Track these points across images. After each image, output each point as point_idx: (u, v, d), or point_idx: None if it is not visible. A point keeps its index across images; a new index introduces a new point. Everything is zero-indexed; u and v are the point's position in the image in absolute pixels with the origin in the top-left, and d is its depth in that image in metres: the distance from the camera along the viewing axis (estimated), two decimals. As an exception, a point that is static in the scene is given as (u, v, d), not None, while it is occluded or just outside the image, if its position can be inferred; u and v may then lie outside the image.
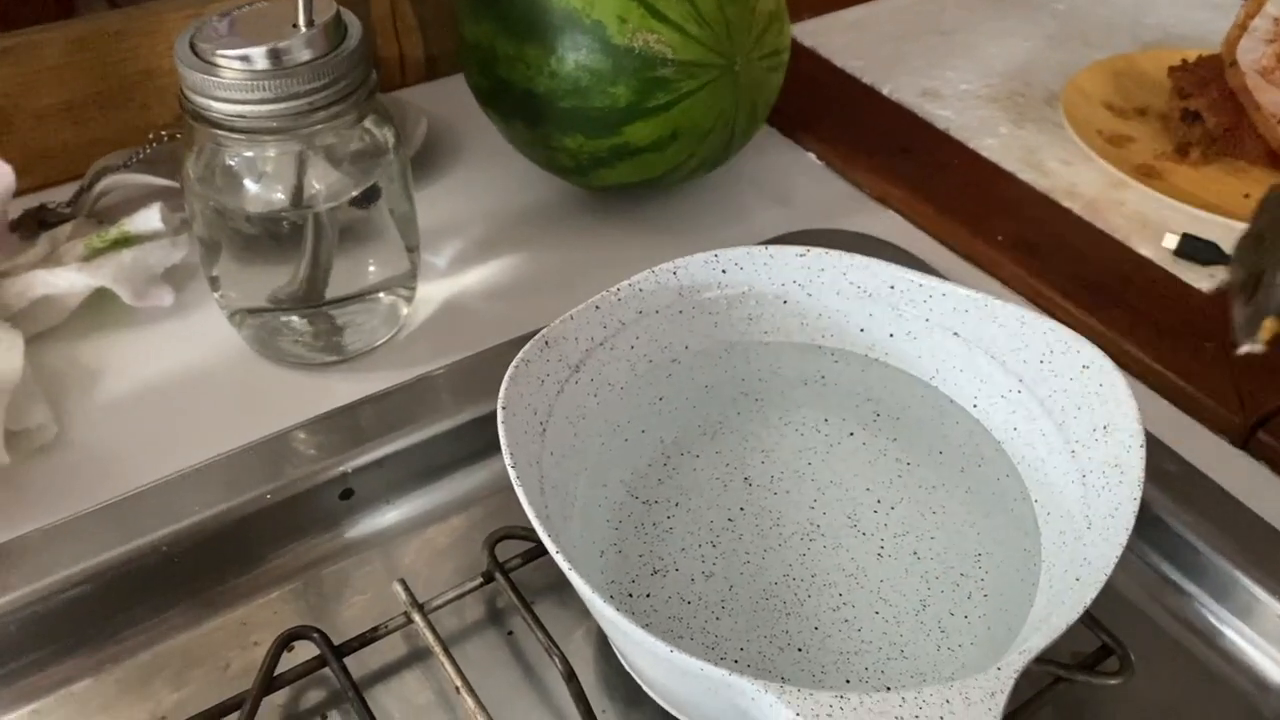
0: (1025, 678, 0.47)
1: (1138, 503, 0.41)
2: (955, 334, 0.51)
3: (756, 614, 0.46)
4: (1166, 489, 0.54)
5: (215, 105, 0.50)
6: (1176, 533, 0.52)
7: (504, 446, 0.42)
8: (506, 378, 0.44)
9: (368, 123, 0.55)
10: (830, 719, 0.34)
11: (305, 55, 0.50)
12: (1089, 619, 0.47)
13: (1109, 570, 0.40)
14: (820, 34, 0.91)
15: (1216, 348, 0.62)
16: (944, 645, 0.44)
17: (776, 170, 0.77)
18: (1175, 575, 0.52)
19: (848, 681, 0.43)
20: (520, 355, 0.45)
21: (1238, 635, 0.51)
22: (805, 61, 0.88)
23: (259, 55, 0.49)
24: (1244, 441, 0.58)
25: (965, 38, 0.93)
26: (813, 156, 0.78)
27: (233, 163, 0.53)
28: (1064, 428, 0.47)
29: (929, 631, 0.45)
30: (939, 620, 0.45)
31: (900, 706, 0.34)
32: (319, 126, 0.52)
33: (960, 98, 0.85)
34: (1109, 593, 0.40)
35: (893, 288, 0.52)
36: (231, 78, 0.50)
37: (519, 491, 0.40)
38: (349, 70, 0.51)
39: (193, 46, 0.51)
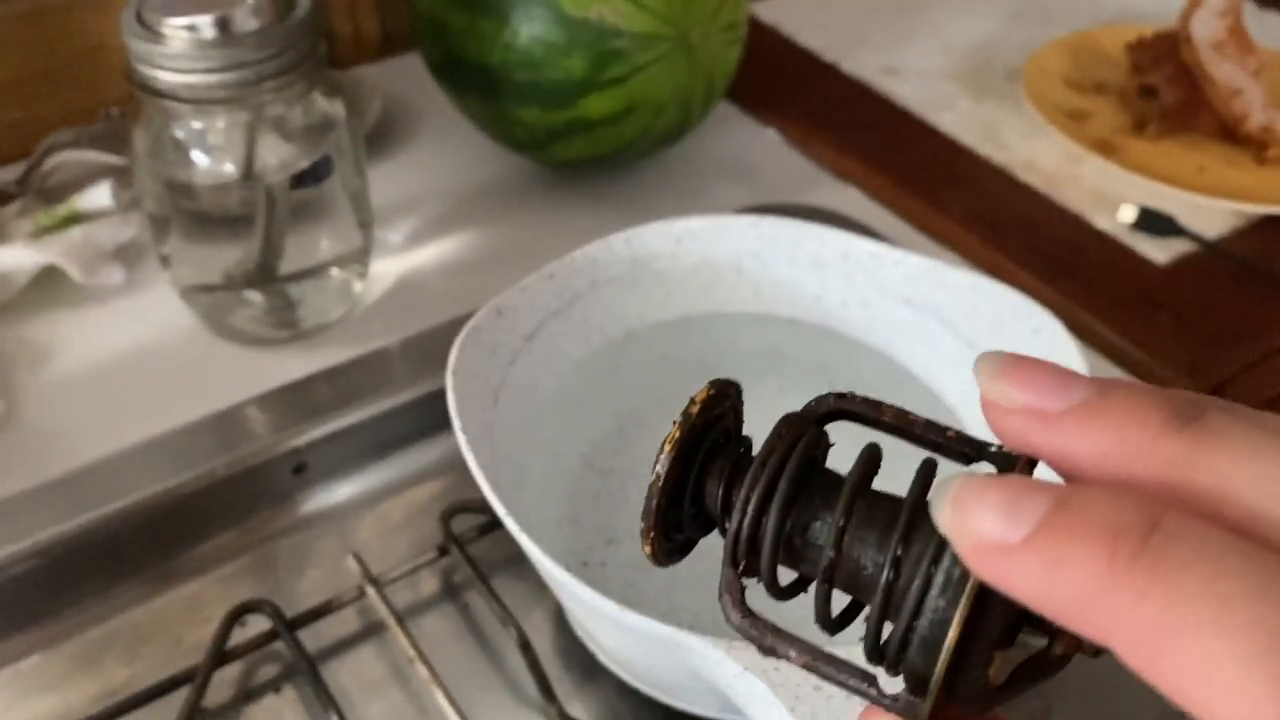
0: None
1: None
2: (908, 301, 0.51)
3: (712, 581, 0.46)
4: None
5: (162, 75, 0.50)
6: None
7: (453, 413, 0.42)
8: (457, 345, 0.44)
9: (317, 94, 0.54)
10: (778, 672, 0.33)
11: (252, 24, 0.49)
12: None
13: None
14: (781, 11, 0.91)
15: (1170, 317, 0.63)
16: (897, 609, 0.45)
17: (737, 147, 0.76)
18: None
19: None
20: (471, 323, 0.45)
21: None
22: (766, 38, 0.88)
23: (206, 24, 0.49)
24: (1197, 409, 0.58)
25: (927, 15, 0.93)
26: (773, 133, 0.78)
27: (181, 134, 0.52)
28: (1015, 391, 0.47)
29: (883, 596, 0.45)
30: (893, 585, 0.45)
31: (847, 656, 0.34)
32: (267, 96, 0.51)
33: (921, 74, 0.85)
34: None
35: (846, 256, 0.52)
36: (178, 47, 0.49)
37: (467, 456, 0.40)
38: (297, 40, 0.51)
39: (140, 17, 0.50)
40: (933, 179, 0.73)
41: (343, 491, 0.54)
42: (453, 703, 0.44)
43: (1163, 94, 0.76)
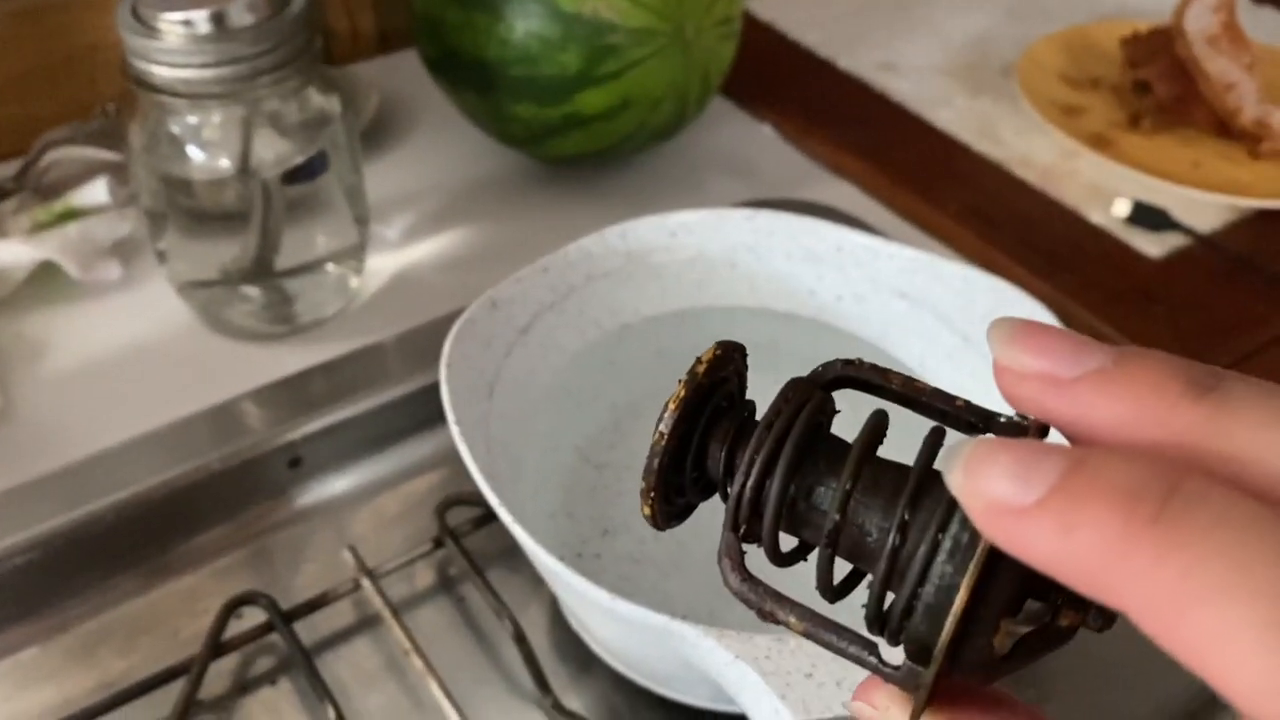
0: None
1: (1078, 452, 0.42)
2: (902, 295, 0.51)
3: (706, 572, 0.46)
4: (1114, 448, 0.54)
5: (158, 70, 0.50)
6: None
7: (446, 404, 0.42)
8: (451, 336, 0.44)
9: (312, 90, 0.54)
10: (769, 660, 0.34)
11: (248, 19, 0.50)
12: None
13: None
14: (778, 7, 0.91)
15: (1164, 311, 0.63)
16: (891, 600, 0.45)
17: (733, 142, 0.77)
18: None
19: (795, 636, 0.43)
20: (466, 314, 0.45)
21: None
22: (762, 35, 0.88)
23: (201, 19, 0.49)
24: (1191, 401, 0.58)
25: (923, 11, 0.93)
26: (769, 128, 0.78)
27: (177, 129, 0.53)
28: (1008, 383, 0.47)
29: (876, 587, 0.45)
30: (886, 576, 0.45)
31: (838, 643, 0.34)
32: (262, 91, 0.51)
33: (917, 70, 0.85)
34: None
35: (840, 250, 0.52)
36: (174, 42, 0.49)
37: (461, 448, 0.40)
38: (292, 35, 0.51)
39: (135, 11, 0.50)
40: (929, 175, 0.73)
41: (338, 485, 0.54)
42: (448, 694, 0.44)
43: (1157, 89, 0.76)
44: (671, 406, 0.21)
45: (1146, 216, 0.69)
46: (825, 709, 0.34)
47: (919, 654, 0.18)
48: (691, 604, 0.45)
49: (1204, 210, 0.70)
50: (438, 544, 0.50)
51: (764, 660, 0.34)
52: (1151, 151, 0.75)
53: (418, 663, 0.45)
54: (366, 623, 0.49)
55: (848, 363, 0.22)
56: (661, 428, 0.21)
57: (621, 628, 0.41)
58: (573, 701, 0.46)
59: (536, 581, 0.50)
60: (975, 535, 0.17)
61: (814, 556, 0.21)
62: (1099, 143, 0.75)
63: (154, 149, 0.53)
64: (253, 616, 0.48)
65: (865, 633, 0.20)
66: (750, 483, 0.20)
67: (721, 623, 0.44)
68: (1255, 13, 0.94)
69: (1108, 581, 0.16)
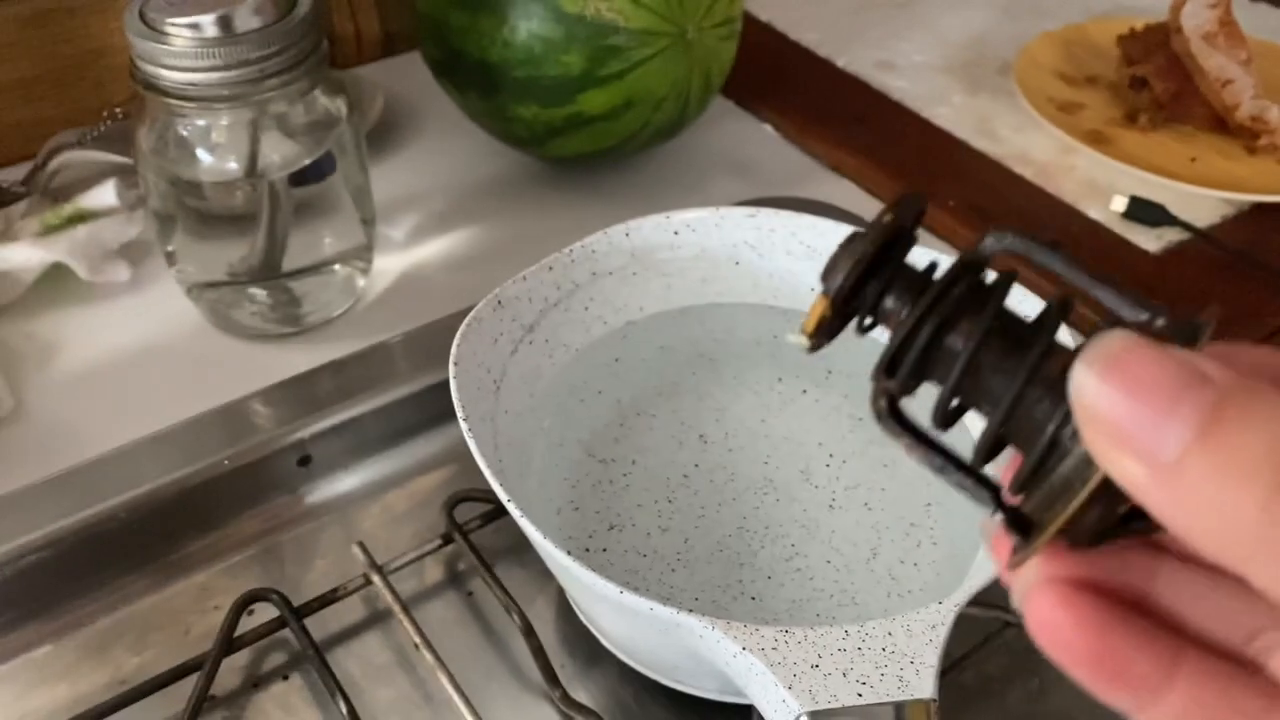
0: (975, 623, 0.48)
1: (1077, 444, 0.42)
2: (903, 290, 0.52)
3: (711, 565, 0.47)
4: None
5: (166, 74, 0.50)
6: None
7: (456, 401, 0.42)
8: (458, 334, 0.45)
9: (319, 92, 0.55)
10: (775, 651, 0.34)
11: (255, 22, 0.50)
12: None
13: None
14: (777, 7, 0.92)
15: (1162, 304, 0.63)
16: (894, 592, 0.45)
17: (733, 141, 0.77)
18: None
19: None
20: (473, 313, 0.46)
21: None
22: (761, 34, 0.89)
23: (208, 23, 0.50)
24: (1190, 395, 0.59)
25: (921, 10, 0.94)
26: (769, 128, 0.79)
27: (185, 132, 0.53)
28: (1008, 377, 0.48)
29: (879, 579, 0.46)
30: (889, 568, 0.46)
31: (844, 639, 0.35)
32: (270, 94, 0.52)
33: (915, 68, 0.85)
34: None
35: (842, 246, 0.53)
36: (181, 45, 0.50)
37: (470, 443, 0.41)
38: (299, 38, 0.52)
39: (142, 16, 0.51)
40: (927, 172, 0.74)
41: (348, 482, 0.55)
42: (458, 688, 0.45)
43: (1154, 85, 0.77)
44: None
45: (1144, 212, 0.70)
46: (832, 698, 0.34)
47: (1035, 512, 0.20)
48: (697, 596, 0.46)
49: (1201, 205, 0.71)
50: (446, 540, 0.50)
51: (770, 651, 0.34)
52: (1149, 147, 0.76)
53: (428, 657, 0.46)
54: (377, 618, 0.50)
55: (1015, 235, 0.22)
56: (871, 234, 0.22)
57: (629, 620, 0.42)
58: (581, 694, 0.47)
59: (544, 576, 0.51)
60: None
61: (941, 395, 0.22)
62: (1096, 139, 0.76)
63: (162, 152, 0.54)
64: (264, 613, 0.48)
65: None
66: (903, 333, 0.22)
67: (727, 614, 0.45)
68: (1251, 9, 0.95)
69: (1230, 556, 0.15)
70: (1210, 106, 0.76)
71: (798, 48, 0.88)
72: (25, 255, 0.59)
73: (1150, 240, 0.68)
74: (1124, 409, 0.16)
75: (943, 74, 0.85)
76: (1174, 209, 0.70)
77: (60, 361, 0.58)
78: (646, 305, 0.54)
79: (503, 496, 0.39)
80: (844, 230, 0.52)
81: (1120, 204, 0.70)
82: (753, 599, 0.45)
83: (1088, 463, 0.18)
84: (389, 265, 0.64)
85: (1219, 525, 0.15)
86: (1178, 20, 0.75)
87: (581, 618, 0.48)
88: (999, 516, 0.21)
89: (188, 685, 0.45)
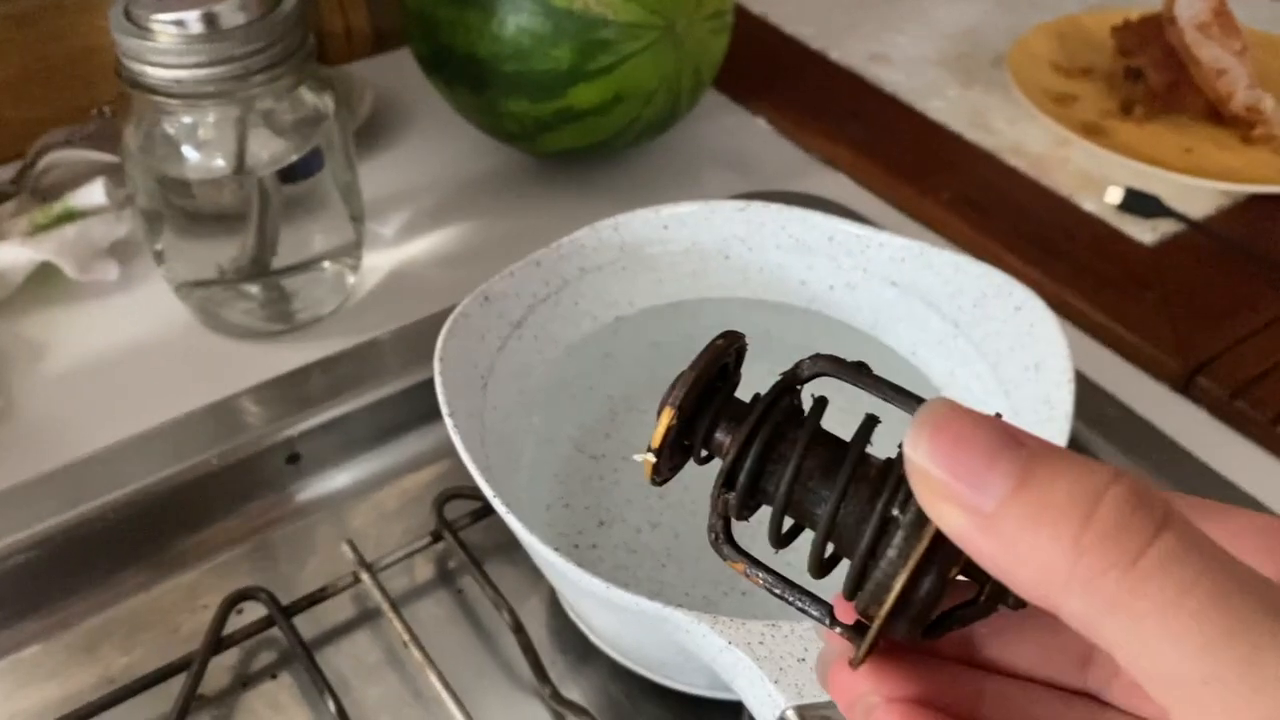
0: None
1: (1067, 436, 0.42)
2: (893, 283, 0.52)
3: (701, 561, 0.46)
4: (1107, 433, 0.54)
5: (152, 71, 0.50)
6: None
7: (440, 397, 0.42)
8: (444, 331, 0.44)
9: (306, 88, 0.54)
10: (762, 645, 0.34)
11: (239, 19, 0.50)
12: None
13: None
14: (769, 1, 0.92)
15: (1157, 297, 0.63)
16: (885, 586, 0.45)
17: (726, 136, 0.77)
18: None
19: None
20: (459, 309, 0.46)
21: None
22: (754, 28, 0.88)
23: (193, 19, 0.49)
24: (1184, 387, 0.59)
25: (913, 2, 0.93)
26: (762, 121, 0.78)
27: (172, 130, 0.53)
28: (998, 369, 0.47)
29: (871, 573, 0.45)
30: (880, 562, 0.46)
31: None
32: (256, 90, 0.51)
33: (909, 61, 0.85)
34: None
35: (831, 239, 0.52)
36: (167, 42, 0.49)
37: (455, 439, 0.41)
38: (285, 34, 0.51)
39: (128, 13, 0.50)
40: (921, 165, 0.73)
41: (337, 480, 0.55)
42: (447, 686, 0.44)
43: (1149, 76, 0.77)
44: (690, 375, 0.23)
45: (1139, 203, 0.69)
46: (818, 693, 0.34)
47: (864, 613, 0.21)
48: (687, 592, 0.46)
49: (1196, 196, 0.71)
50: (436, 537, 0.50)
51: (757, 645, 0.34)
52: (1143, 139, 0.76)
53: (417, 655, 0.45)
54: (366, 616, 0.49)
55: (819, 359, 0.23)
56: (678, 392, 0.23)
57: (618, 616, 0.41)
58: (571, 691, 0.46)
59: (534, 573, 0.50)
60: (923, 516, 0.19)
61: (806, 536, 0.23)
62: (1091, 131, 0.75)
63: (149, 150, 0.54)
64: (253, 611, 0.48)
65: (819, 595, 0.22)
66: (730, 461, 0.23)
67: (716, 610, 0.44)
68: (1247, -1, 0.94)
69: (1045, 593, 0.17)
70: (1205, 97, 0.76)
71: (791, 41, 0.87)
72: (14, 254, 0.59)
73: (1145, 232, 0.68)
74: (951, 465, 0.18)
75: (937, 67, 0.85)
76: (1169, 200, 0.69)
77: (49, 360, 0.58)
78: (636, 300, 0.54)
79: (488, 493, 0.39)
80: (834, 222, 0.52)
81: (1115, 195, 0.69)
82: (743, 594, 0.45)
83: (916, 528, 0.19)
84: (379, 262, 0.64)
85: (1035, 564, 0.17)
86: (1172, 11, 0.75)
87: (571, 614, 0.48)
88: (836, 629, 0.22)
89: (176, 684, 0.45)
